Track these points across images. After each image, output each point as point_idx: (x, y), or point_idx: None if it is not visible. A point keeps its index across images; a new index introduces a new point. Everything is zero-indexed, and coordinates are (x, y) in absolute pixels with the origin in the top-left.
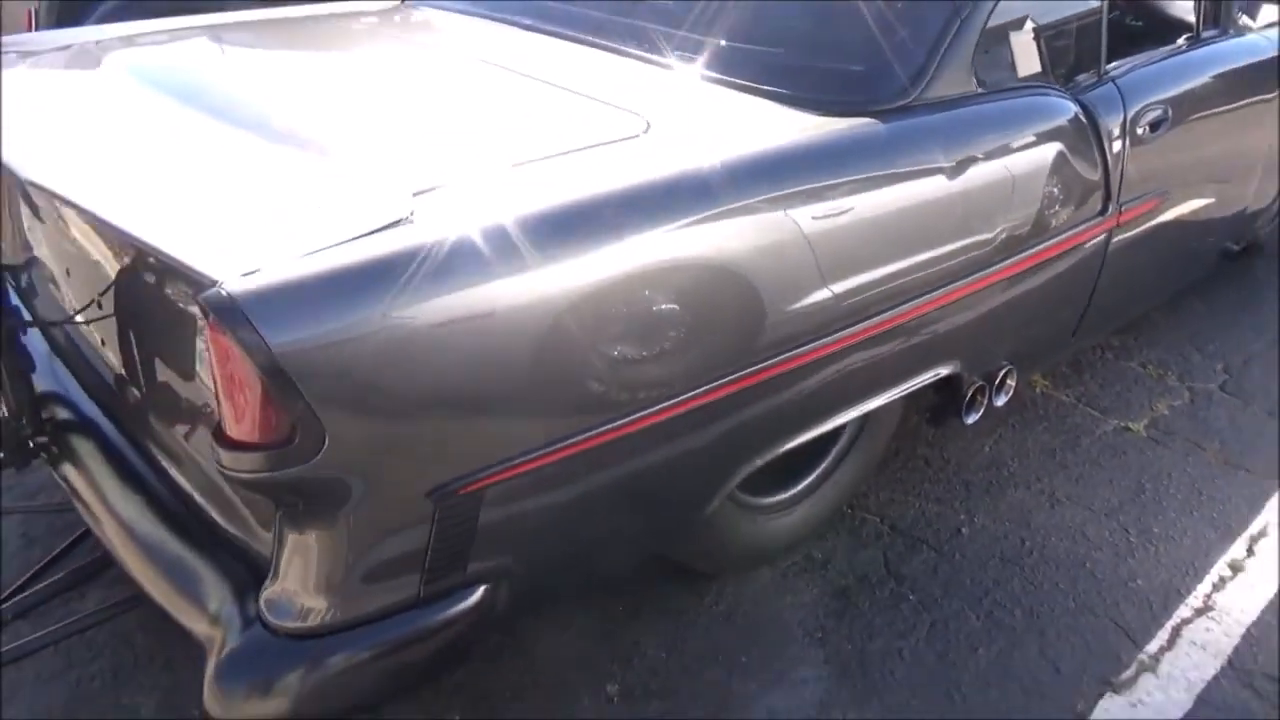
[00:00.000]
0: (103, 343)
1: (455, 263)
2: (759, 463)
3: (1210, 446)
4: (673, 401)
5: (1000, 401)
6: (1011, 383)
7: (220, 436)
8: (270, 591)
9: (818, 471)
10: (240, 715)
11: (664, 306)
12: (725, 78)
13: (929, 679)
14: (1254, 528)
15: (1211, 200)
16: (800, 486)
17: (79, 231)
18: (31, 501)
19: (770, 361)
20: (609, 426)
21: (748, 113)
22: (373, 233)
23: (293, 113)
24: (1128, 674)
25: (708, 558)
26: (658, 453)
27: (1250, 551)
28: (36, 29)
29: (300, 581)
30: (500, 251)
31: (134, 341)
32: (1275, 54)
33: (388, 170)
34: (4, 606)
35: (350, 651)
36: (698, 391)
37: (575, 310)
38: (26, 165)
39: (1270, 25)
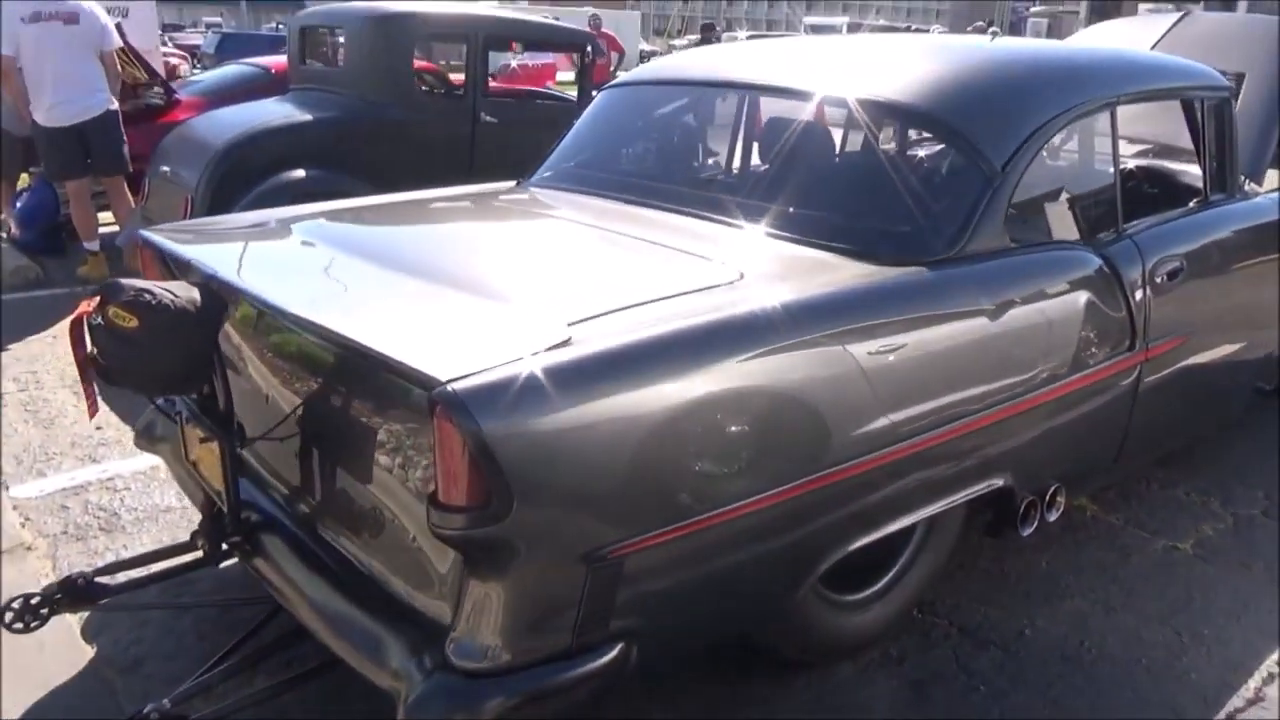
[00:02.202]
0: (295, 453)
1: (606, 375)
2: (838, 555)
3: (1255, 564)
4: (764, 495)
5: (1052, 517)
6: (1061, 500)
7: (434, 501)
8: (454, 637)
9: (890, 574)
10: None
11: (759, 416)
12: (800, 237)
13: None
14: None
15: (1235, 343)
16: (876, 587)
17: (290, 358)
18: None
19: (840, 467)
20: (716, 512)
21: (821, 265)
22: (547, 350)
23: (458, 266)
24: None
25: (794, 643)
26: (755, 541)
27: None
28: (190, 216)
29: (479, 629)
30: (640, 366)
31: (330, 449)
32: (1278, 216)
33: (546, 307)
34: (195, 684)
35: (517, 690)
36: (784, 488)
37: (693, 416)
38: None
39: (1274, 190)
